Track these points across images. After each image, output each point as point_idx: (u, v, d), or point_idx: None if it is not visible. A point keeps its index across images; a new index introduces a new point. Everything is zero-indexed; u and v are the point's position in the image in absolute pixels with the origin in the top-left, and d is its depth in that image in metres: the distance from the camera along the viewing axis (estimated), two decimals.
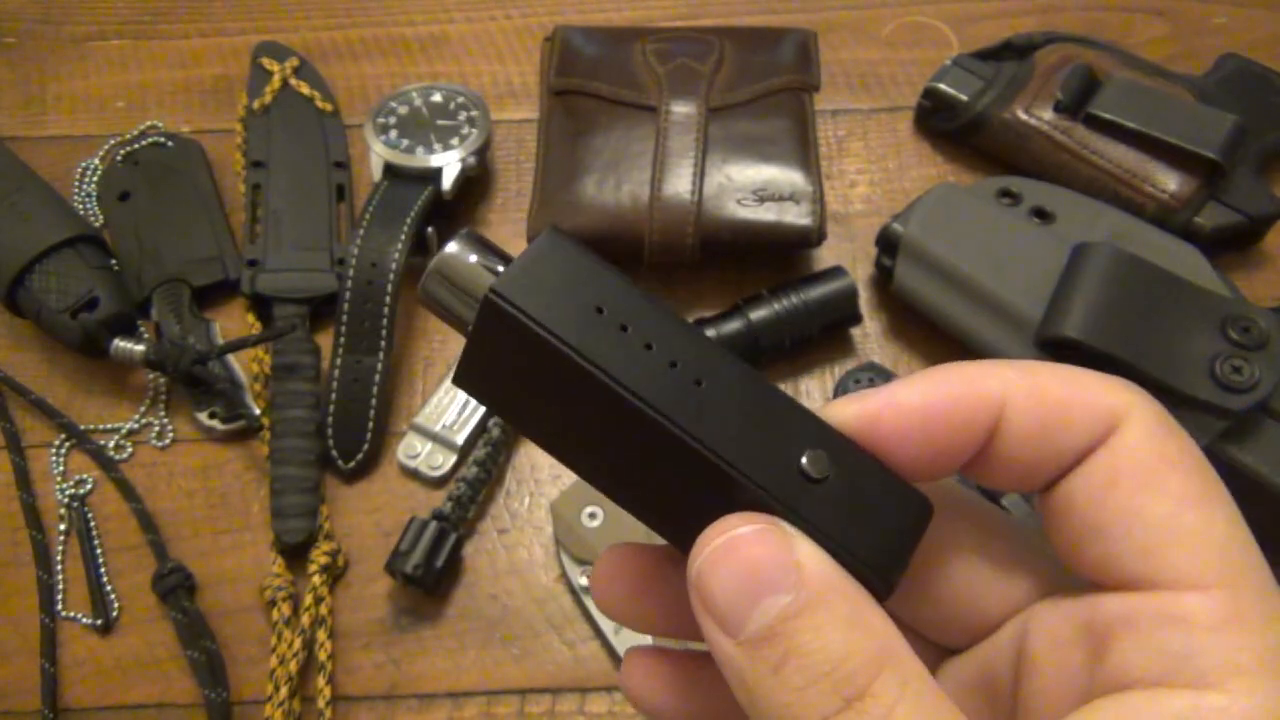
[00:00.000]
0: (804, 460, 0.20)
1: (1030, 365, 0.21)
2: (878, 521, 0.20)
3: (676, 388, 0.20)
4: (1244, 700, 0.17)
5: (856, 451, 0.21)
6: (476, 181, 0.62)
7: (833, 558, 0.19)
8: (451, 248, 0.22)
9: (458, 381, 0.22)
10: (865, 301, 0.57)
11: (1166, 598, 0.18)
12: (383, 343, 0.53)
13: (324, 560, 0.49)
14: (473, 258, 0.22)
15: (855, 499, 0.20)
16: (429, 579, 0.47)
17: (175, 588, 0.48)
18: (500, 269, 0.21)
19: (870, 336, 0.57)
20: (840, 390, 0.54)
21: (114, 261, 0.56)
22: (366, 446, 0.52)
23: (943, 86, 0.63)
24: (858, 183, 0.63)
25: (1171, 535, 0.19)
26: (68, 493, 0.52)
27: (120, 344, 0.52)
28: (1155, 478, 0.19)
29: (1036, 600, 0.21)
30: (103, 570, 0.50)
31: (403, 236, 0.54)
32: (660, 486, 0.21)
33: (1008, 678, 0.21)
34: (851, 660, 0.18)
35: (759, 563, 0.19)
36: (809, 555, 0.19)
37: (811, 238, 0.55)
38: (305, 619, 0.47)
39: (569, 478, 0.52)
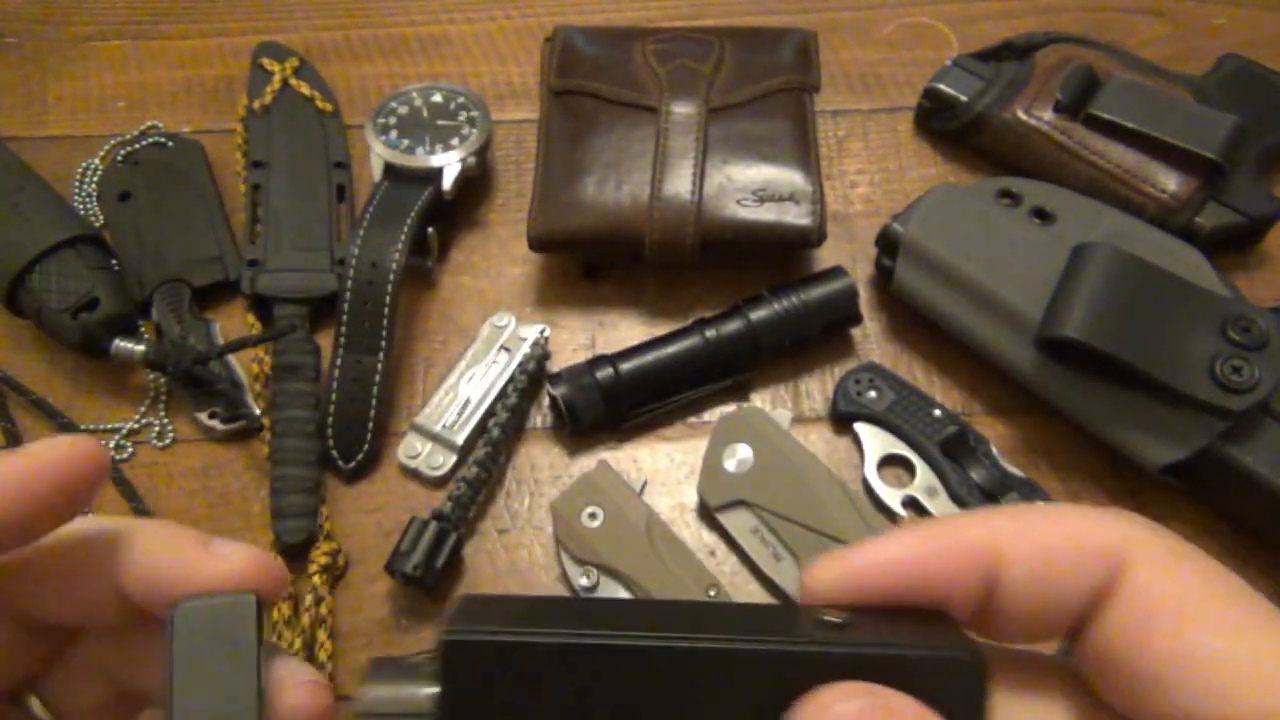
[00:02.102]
0: (823, 618, 0.19)
1: (1018, 510, 0.20)
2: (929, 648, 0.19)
3: (679, 620, 0.19)
4: None
5: (866, 609, 0.20)
6: (476, 181, 0.62)
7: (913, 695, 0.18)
8: (374, 690, 0.19)
9: None
10: (865, 301, 0.57)
11: None
12: (383, 343, 0.53)
13: (324, 560, 0.49)
14: (390, 687, 0.19)
15: (893, 632, 0.19)
16: (429, 579, 0.47)
17: None
18: (423, 667, 0.19)
19: (870, 336, 0.57)
20: (840, 391, 0.54)
21: (114, 261, 0.56)
22: (367, 446, 0.52)
23: (943, 87, 0.63)
24: (858, 183, 0.63)
25: (1238, 671, 0.17)
26: None
27: (120, 344, 0.52)
28: (1194, 611, 0.18)
29: None
30: None
31: (403, 237, 0.54)
32: None
33: None
34: None
35: None
36: (902, 704, 0.18)
37: (811, 238, 0.55)
38: (305, 619, 0.48)
39: (569, 477, 0.52)
